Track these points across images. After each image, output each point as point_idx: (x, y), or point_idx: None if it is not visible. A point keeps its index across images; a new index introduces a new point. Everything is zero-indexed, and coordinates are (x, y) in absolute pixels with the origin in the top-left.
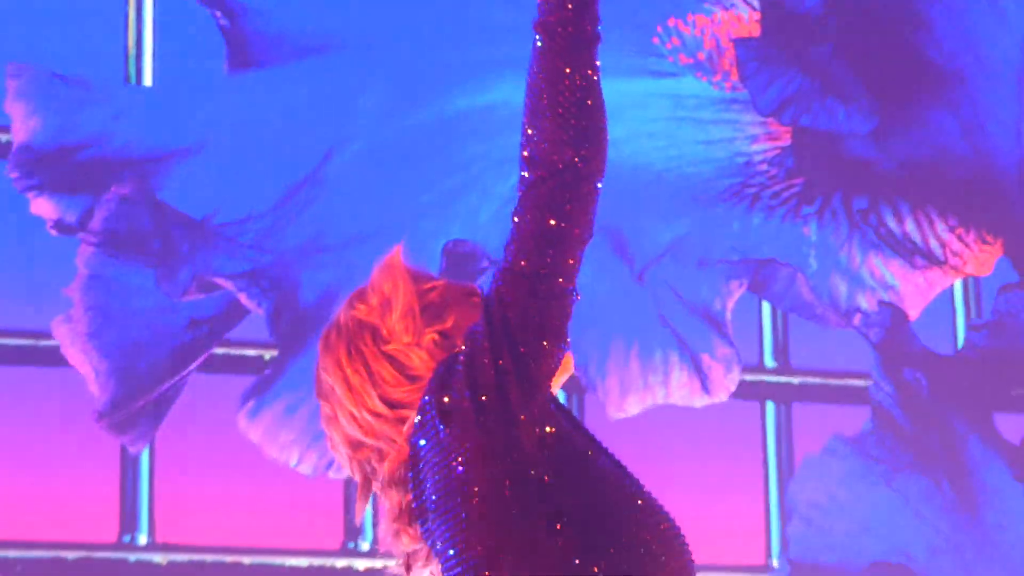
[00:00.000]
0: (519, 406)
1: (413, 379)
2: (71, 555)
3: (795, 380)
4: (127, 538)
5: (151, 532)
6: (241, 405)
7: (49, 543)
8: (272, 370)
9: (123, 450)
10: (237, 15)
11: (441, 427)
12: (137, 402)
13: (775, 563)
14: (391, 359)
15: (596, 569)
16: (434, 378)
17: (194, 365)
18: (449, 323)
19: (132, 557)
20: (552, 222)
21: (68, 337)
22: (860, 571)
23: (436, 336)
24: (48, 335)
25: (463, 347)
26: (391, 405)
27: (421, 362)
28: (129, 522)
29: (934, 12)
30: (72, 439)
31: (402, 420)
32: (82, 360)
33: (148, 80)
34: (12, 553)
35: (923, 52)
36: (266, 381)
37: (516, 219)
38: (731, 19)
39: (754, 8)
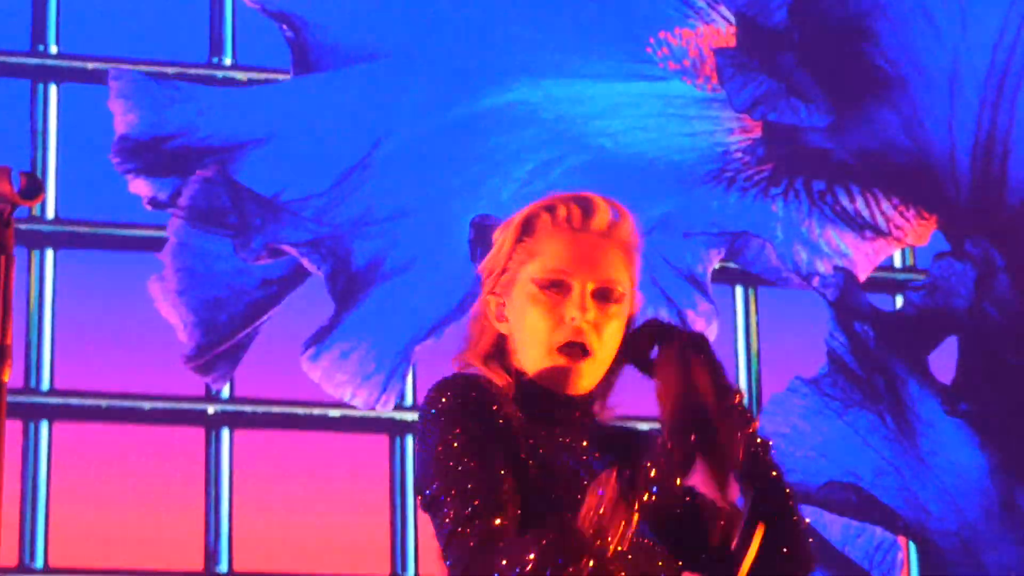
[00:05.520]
0: None
1: None
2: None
3: None
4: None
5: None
6: (303, 351)
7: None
8: (329, 322)
9: (208, 493)
10: (300, 28)
11: None
12: (218, 349)
13: None
14: None
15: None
16: None
17: (265, 317)
18: None
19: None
20: None
21: (161, 294)
22: (817, 489)
23: None
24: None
25: None
26: None
27: None
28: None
29: (880, 26)
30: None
31: None
32: (172, 313)
33: None
34: None
35: (871, 60)
36: (324, 331)
37: None
38: (711, 32)
39: (730, 23)
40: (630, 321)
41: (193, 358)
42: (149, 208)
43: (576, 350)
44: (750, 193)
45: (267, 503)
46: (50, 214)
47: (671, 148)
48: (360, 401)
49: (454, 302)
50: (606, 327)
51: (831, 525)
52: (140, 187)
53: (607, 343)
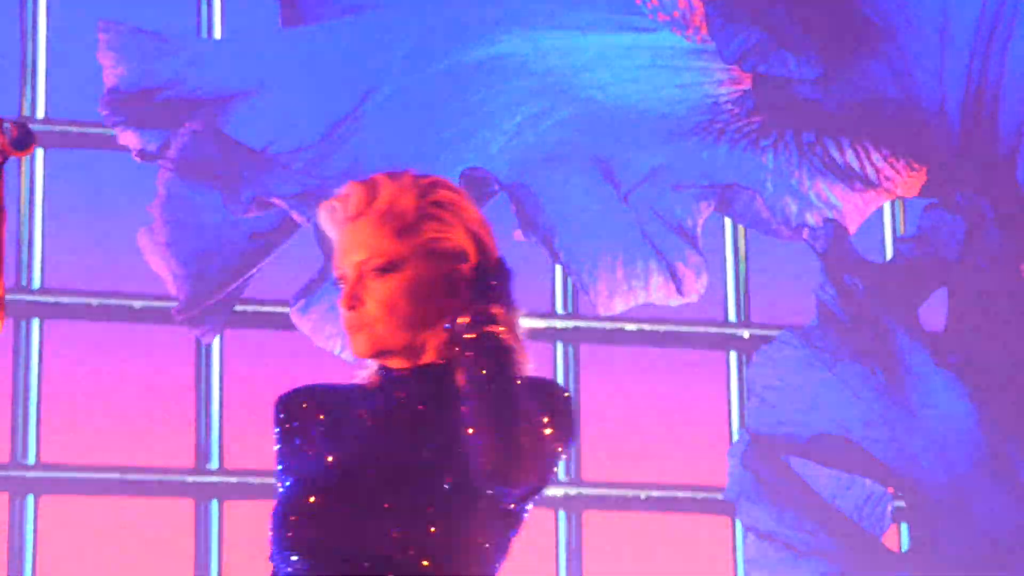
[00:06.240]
0: None
1: None
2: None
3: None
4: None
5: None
6: (292, 304)
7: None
8: (318, 275)
9: (198, 390)
10: None
11: None
12: (208, 301)
13: (735, 435)
14: None
15: None
16: None
17: (255, 270)
18: None
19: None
20: None
21: (150, 246)
22: (806, 441)
23: None
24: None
25: None
26: None
27: None
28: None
29: None
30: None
31: None
32: (162, 266)
33: (217, 33)
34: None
35: (860, 11)
36: (313, 284)
37: None
38: None
39: None
40: (454, 271)
41: (183, 310)
42: (138, 160)
43: (353, 335)
44: (740, 145)
45: (258, 401)
46: (40, 115)
47: (661, 100)
48: (349, 355)
49: None
50: (388, 300)
51: (821, 477)
52: (129, 139)
53: (392, 314)
